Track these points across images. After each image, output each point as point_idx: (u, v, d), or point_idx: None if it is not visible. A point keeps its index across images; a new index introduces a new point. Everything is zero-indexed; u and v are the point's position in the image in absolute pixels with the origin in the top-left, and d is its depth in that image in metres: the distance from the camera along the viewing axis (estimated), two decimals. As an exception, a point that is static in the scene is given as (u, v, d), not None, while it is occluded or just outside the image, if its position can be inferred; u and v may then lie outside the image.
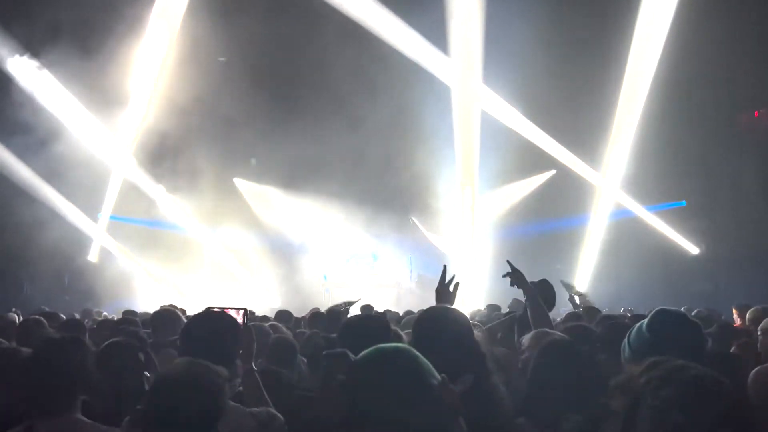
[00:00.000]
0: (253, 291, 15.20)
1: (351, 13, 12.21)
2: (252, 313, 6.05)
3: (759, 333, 3.71)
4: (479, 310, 8.09)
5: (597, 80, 12.79)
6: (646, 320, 2.27)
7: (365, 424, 1.43)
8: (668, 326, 2.23)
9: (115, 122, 13.05)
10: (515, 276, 3.51)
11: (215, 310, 2.71)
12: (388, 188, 14.34)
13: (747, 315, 4.96)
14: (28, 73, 11.76)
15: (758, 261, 12.35)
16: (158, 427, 1.85)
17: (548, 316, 3.39)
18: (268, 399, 2.59)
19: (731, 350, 3.83)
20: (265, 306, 14.39)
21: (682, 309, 5.97)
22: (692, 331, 2.27)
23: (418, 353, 1.54)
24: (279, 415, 2.42)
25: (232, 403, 2.28)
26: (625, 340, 2.31)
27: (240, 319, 2.67)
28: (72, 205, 12.95)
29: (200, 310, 2.83)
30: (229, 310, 2.71)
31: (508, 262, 3.61)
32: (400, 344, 1.67)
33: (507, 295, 6.75)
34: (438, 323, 2.40)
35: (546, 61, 11.88)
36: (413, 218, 15.70)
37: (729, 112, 13.47)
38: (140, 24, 12.36)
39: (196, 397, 1.85)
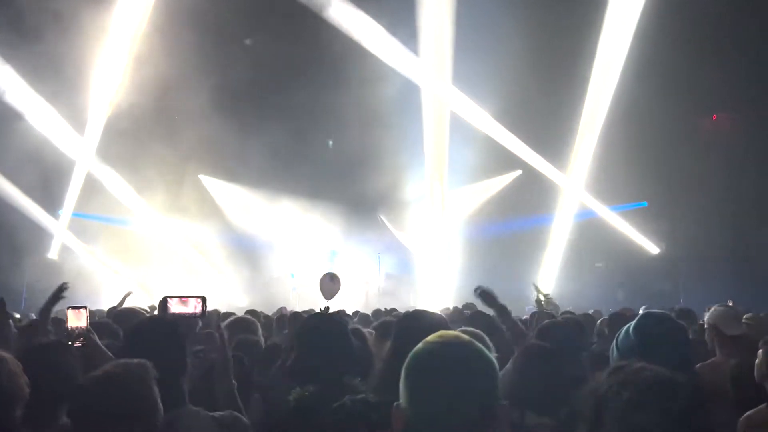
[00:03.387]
0: (220, 289, 15.02)
1: (323, 13, 12.20)
2: (218, 312, 5.98)
3: (705, 327, 3.82)
4: (447, 309, 8.16)
5: (563, 83, 13.03)
6: (632, 323, 2.31)
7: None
8: (653, 329, 2.27)
9: (77, 117, 12.76)
10: (486, 298, 3.64)
11: (173, 298, 2.67)
12: (356, 186, 14.32)
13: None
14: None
15: (715, 261, 12.75)
16: (83, 426, 1.84)
17: (524, 334, 3.49)
18: (236, 396, 2.56)
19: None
20: (232, 304, 14.26)
21: (642, 308, 6.14)
22: (677, 333, 2.32)
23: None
24: (243, 417, 2.36)
25: (192, 407, 2.25)
26: (613, 343, 2.35)
27: (200, 308, 2.63)
28: (31, 201, 12.62)
29: (159, 300, 2.81)
30: (188, 298, 2.66)
31: (476, 291, 3.72)
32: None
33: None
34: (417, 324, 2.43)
35: (514, 65, 12.02)
36: (382, 216, 15.73)
37: (689, 117, 13.86)
38: (105, 14, 12.10)
39: (117, 397, 1.83)
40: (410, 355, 1.41)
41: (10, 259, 12.05)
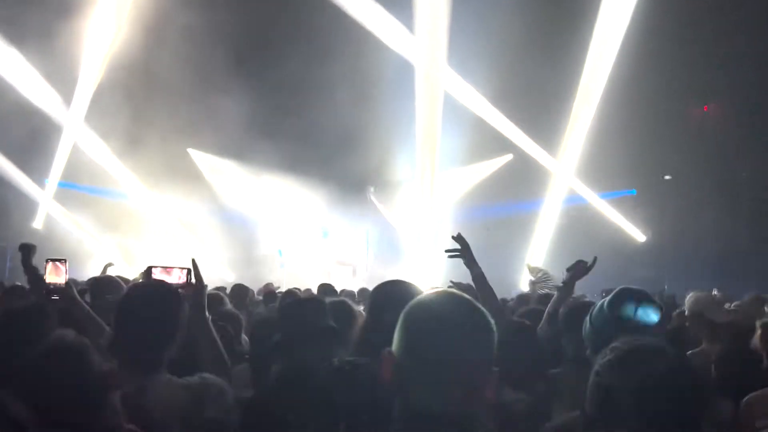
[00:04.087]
0: (207, 264, 14.95)
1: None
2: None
3: (687, 313, 3.84)
4: (435, 288, 8.17)
5: (557, 69, 12.98)
6: (607, 298, 2.29)
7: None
8: (628, 304, 2.24)
9: (65, 85, 12.56)
10: (463, 253, 3.25)
11: (156, 267, 2.65)
12: (346, 163, 14.24)
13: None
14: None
15: (701, 249, 12.89)
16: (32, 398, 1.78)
17: (496, 297, 3.30)
18: (224, 353, 2.53)
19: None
20: (219, 279, 14.21)
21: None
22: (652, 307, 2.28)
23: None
24: (216, 381, 2.32)
25: (165, 375, 2.23)
26: (587, 317, 2.32)
27: (183, 278, 2.61)
28: (17, 169, 12.46)
29: (143, 269, 2.78)
30: (172, 268, 2.64)
31: (454, 237, 3.33)
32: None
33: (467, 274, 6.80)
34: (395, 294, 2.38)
35: (510, 48, 11.97)
36: (371, 194, 15.67)
37: (680, 106, 13.90)
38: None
39: (61, 371, 1.79)
40: (410, 303, 1.36)
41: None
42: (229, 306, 4.37)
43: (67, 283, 3.00)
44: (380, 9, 12.60)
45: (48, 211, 13.75)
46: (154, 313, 2.23)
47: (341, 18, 12.31)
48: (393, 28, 12.90)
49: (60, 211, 13.87)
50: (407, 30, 12.96)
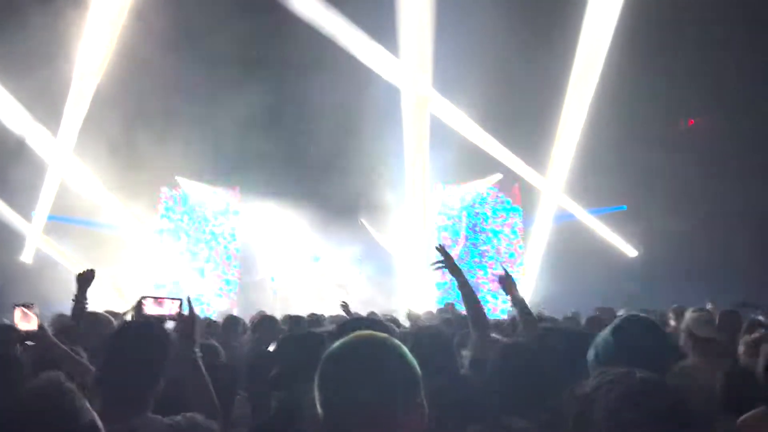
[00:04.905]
0: (199, 293, 14.85)
1: (300, 14, 12.14)
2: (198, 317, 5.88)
3: (681, 332, 3.91)
4: (430, 312, 8.14)
5: (542, 87, 13.12)
6: (611, 326, 2.29)
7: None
8: (633, 332, 2.25)
9: (51, 117, 12.54)
10: (447, 264, 3.33)
11: (147, 299, 2.62)
12: (336, 189, 14.26)
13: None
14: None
15: (692, 263, 12.93)
16: None
17: (481, 306, 3.32)
18: (212, 393, 2.47)
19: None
20: (213, 308, 14.13)
21: (621, 310, 6.17)
22: (656, 337, 2.29)
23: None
24: (202, 422, 2.27)
25: (151, 415, 2.20)
26: (592, 346, 2.31)
27: (175, 310, 2.57)
28: (3, 203, 12.37)
29: (135, 301, 2.76)
30: (164, 300, 2.62)
31: (437, 248, 3.42)
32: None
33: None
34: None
35: (493, 67, 12.09)
36: (362, 220, 15.68)
37: (667, 120, 14.06)
38: (79, 15, 11.93)
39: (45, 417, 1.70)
40: (323, 358, 1.39)
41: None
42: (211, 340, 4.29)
43: (40, 326, 2.95)
44: (365, 36, 12.73)
45: (37, 244, 13.62)
46: (143, 354, 2.20)
47: (326, 44, 12.43)
48: (378, 53, 13.02)
49: (49, 244, 13.75)
50: (393, 55, 13.09)
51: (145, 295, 2.73)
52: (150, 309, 2.62)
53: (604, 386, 1.57)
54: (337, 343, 1.40)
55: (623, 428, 1.49)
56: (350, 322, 2.65)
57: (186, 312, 2.55)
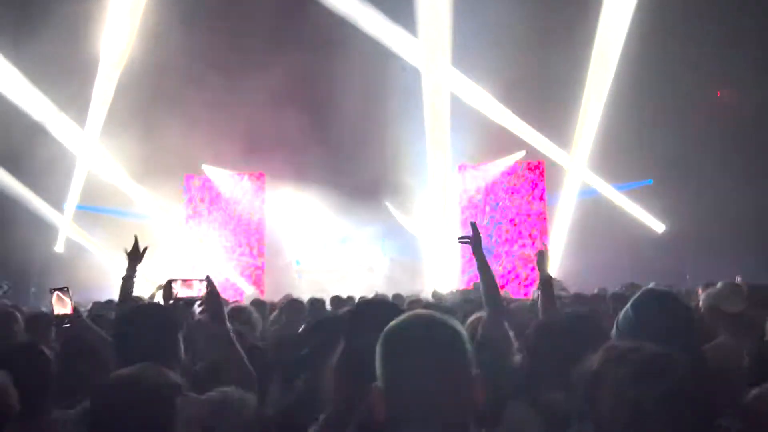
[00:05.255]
0: (227, 278, 15.07)
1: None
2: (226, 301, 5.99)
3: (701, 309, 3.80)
4: (453, 292, 8.16)
5: (564, 61, 12.90)
6: (631, 301, 2.26)
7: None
8: (653, 306, 2.21)
9: (78, 109, 12.74)
10: (474, 241, 3.36)
11: (176, 281, 2.66)
12: (359, 172, 14.28)
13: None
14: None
15: (721, 236, 12.71)
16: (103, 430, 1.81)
17: (497, 288, 3.35)
18: (248, 367, 2.52)
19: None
20: (240, 291, 14.31)
21: (650, 285, 6.10)
22: (677, 311, 2.24)
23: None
24: (237, 394, 2.30)
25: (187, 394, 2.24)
26: (615, 322, 2.29)
27: (203, 290, 2.58)
28: (34, 194, 12.65)
29: (159, 284, 2.79)
30: (192, 281, 2.65)
31: (472, 224, 3.48)
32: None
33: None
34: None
35: (514, 43, 11.92)
36: (387, 203, 15.68)
37: (693, 92, 13.72)
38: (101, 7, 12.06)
39: (145, 404, 1.80)
40: (384, 334, 1.41)
41: (17, 255, 12.10)
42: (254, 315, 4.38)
43: (74, 309, 3.04)
44: (383, 17, 12.62)
45: (68, 234, 13.94)
46: (152, 335, 2.24)
47: (347, 29, 12.36)
48: (397, 34, 12.92)
49: (79, 234, 14.07)
50: (411, 35, 12.97)
51: (172, 277, 2.75)
52: (179, 291, 2.65)
53: (612, 362, 1.56)
54: (400, 319, 1.44)
55: (629, 407, 1.48)
56: (361, 304, 2.65)
57: (208, 291, 2.58)
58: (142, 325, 2.34)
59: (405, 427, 1.32)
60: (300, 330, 3.23)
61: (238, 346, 2.52)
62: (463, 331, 1.41)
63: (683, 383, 1.49)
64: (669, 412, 1.46)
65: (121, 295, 3.59)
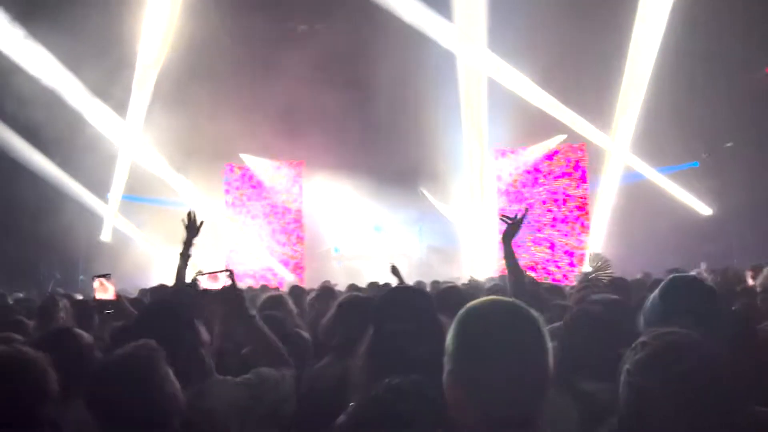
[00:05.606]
0: (268, 265, 15.30)
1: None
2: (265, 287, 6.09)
3: (759, 290, 3.72)
4: (492, 278, 8.10)
5: (605, 41, 12.55)
6: (658, 288, 2.24)
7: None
8: (680, 293, 2.19)
9: (119, 100, 12.99)
10: (509, 227, 3.42)
11: (202, 275, 2.68)
12: (396, 158, 14.25)
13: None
14: (16, 44, 10.92)
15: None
16: (102, 412, 1.85)
17: (523, 282, 3.40)
18: (278, 345, 2.55)
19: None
20: (280, 279, 14.52)
21: (699, 269, 5.93)
22: (704, 297, 2.21)
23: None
24: (271, 374, 2.36)
25: (218, 377, 2.31)
26: (643, 308, 2.28)
27: (228, 281, 2.59)
28: (79, 184, 13.00)
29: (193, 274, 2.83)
30: (217, 274, 2.64)
31: (525, 208, 3.63)
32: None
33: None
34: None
35: (552, 25, 11.67)
36: (423, 189, 15.63)
37: (739, 71, 13.21)
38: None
39: (134, 386, 1.83)
40: (464, 314, 1.38)
41: (63, 244, 12.49)
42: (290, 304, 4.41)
43: (117, 295, 3.12)
44: (418, 2, 12.49)
45: (114, 224, 14.33)
46: (164, 329, 2.26)
47: (382, 15, 12.26)
48: (432, 18, 12.76)
49: (125, 224, 14.45)
50: (446, 20, 12.80)
51: (200, 271, 2.78)
52: (206, 285, 2.68)
53: (635, 348, 1.53)
54: (478, 301, 1.41)
55: (636, 394, 1.45)
56: (390, 291, 2.64)
57: (225, 285, 2.58)
58: (158, 321, 2.39)
59: (480, 401, 1.30)
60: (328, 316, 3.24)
61: (267, 331, 2.55)
62: (543, 328, 1.37)
63: (702, 368, 1.42)
64: (686, 397, 1.40)
65: (177, 276, 3.57)
